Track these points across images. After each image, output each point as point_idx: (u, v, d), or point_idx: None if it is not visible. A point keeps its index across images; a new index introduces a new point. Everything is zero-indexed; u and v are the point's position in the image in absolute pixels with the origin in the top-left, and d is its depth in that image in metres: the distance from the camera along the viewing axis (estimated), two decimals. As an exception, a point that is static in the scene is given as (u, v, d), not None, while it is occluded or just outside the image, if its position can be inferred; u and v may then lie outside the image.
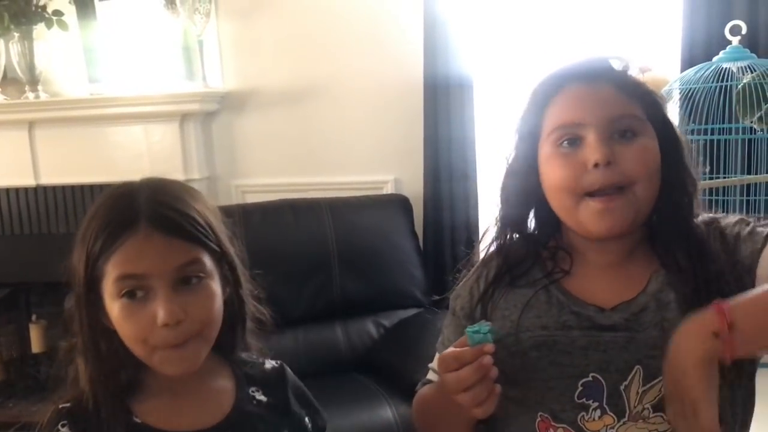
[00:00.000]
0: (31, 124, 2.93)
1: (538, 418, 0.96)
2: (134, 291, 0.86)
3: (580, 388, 0.93)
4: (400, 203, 2.76)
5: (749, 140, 1.91)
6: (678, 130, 1.00)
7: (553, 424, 0.95)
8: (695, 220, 1.00)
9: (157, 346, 0.87)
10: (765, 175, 2.03)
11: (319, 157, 2.92)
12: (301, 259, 2.55)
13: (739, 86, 1.79)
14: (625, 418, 0.92)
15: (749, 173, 1.93)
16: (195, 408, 0.94)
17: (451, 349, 0.91)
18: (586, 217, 0.94)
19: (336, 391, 2.29)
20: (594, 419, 0.93)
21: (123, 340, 0.89)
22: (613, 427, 0.92)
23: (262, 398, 1.00)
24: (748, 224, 0.96)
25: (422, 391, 1.10)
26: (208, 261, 0.90)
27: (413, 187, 2.84)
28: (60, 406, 0.92)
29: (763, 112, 1.81)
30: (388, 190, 2.90)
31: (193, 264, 0.89)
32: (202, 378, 0.95)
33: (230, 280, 0.97)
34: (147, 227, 0.86)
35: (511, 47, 2.73)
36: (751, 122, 1.80)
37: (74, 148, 2.89)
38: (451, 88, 2.70)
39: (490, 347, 0.88)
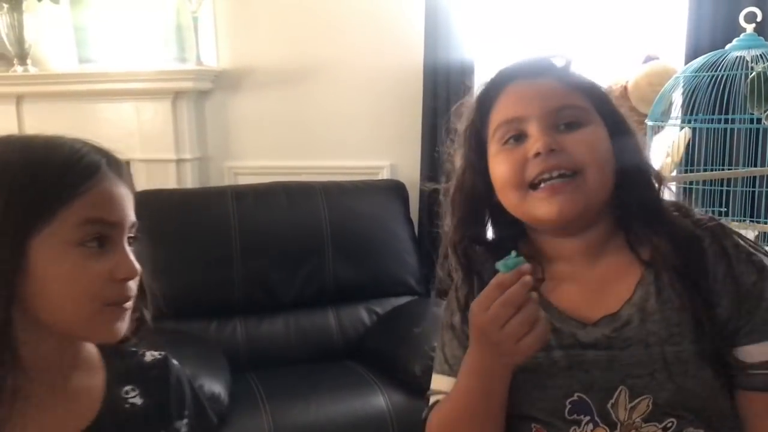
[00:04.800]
0: (18, 98, 2.86)
1: (533, 429, 0.94)
2: (101, 238, 0.78)
3: (569, 406, 0.91)
4: (395, 189, 2.72)
5: (755, 130, 1.88)
6: (630, 123, 0.98)
7: None
8: (690, 215, 0.97)
9: (109, 302, 0.79)
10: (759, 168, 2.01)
11: (314, 141, 2.87)
12: (293, 243, 2.51)
13: (751, 75, 1.75)
14: (617, 430, 0.90)
15: (755, 165, 1.90)
16: (58, 412, 0.82)
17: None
18: (534, 206, 0.91)
19: (328, 379, 2.27)
20: (588, 431, 0.91)
21: (62, 298, 0.77)
22: None
23: (137, 400, 0.88)
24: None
25: (438, 408, 1.00)
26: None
27: (409, 174, 2.79)
28: None
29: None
30: (384, 175, 2.85)
31: (135, 226, 0.84)
32: (69, 374, 0.84)
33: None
34: (112, 175, 0.81)
35: (514, 34, 2.68)
36: (762, 114, 1.76)
37: (63, 124, 2.78)
38: (451, 75, 2.65)
39: (527, 267, 0.83)
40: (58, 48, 2.91)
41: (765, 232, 1.86)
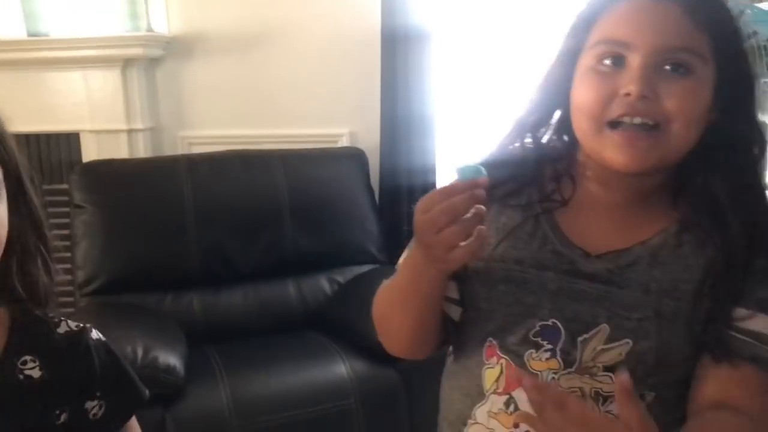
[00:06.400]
0: (-41, 68, 2.74)
1: (487, 343, 0.91)
2: None
3: (538, 328, 0.88)
4: (355, 157, 2.68)
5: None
6: (755, 73, 0.87)
7: (498, 352, 0.90)
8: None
9: None
10: None
11: (271, 109, 2.79)
12: (251, 213, 2.46)
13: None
14: (572, 369, 0.86)
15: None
16: None
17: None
18: (605, 147, 0.84)
19: (288, 349, 2.24)
20: (541, 360, 0.88)
21: None
22: (556, 373, 0.87)
23: (34, 372, 0.80)
24: None
25: (384, 283, 1.01)
26: None
27: (369, 141, 2.75)
28: None
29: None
30: (343, 143, 2.81)
31: None
32: None
33: (19, 204, 0.81)
34: None
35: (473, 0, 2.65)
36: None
37: (7, 94, 2.69)
38: (409, 38, 2.61)
39: (484, 180, 0.78)
40: (4, 15, 2.78)
41: None
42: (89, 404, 0.84)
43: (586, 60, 0.86)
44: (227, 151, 2.56)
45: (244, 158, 2.54)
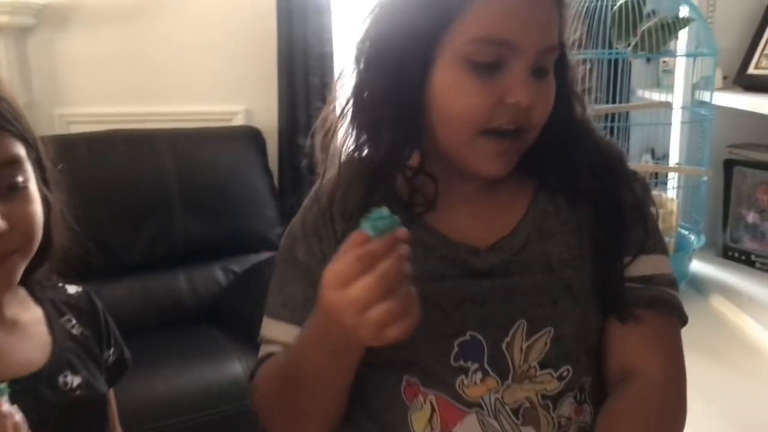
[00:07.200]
0: None
1: (404, 383, 0.79)
2: None
3: (457, 349, 0.78)
4: (250, 136, 2.53)
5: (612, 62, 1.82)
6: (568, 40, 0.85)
7: (422, 389, 0.78)
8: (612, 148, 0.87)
9: None
10: (629, 104, 1.99)
11: (158, 84, 2.59)
12: (136, 199, 2.28)
13: (615, 7, 1.66)
14: (509, 380, 0.77)
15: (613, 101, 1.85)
16: (14, 347, 0.80)
17: (342, 252, 0.65)
18: (476, 156, 0.77)
19: (179, 346, 2.08)
20: (475, 383, 0.77)
21: None
22: (497, 392, 0.77)
23: (76, 330, 0.88)
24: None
25: (268, 365, 0.85)
26: (27, 160, 0.77)
27: (266, 120, 2.61)
28: None
29: (638, 38, 1.70)
30: (238, 122, 2.65)
31: (14, 163, 0.75)
32: (8, 311, 0.82)
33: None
34: None
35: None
36: (625, 48, 1.69)
37: None
38: (307, 7, 2.47)
39: (403, 231, 0.65)
40: None
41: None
42: (106, 353, 0.92)
43: (455, 58, 0.74)
44: (109, 130, 2.36)
45: (127, 138, 2.34)
